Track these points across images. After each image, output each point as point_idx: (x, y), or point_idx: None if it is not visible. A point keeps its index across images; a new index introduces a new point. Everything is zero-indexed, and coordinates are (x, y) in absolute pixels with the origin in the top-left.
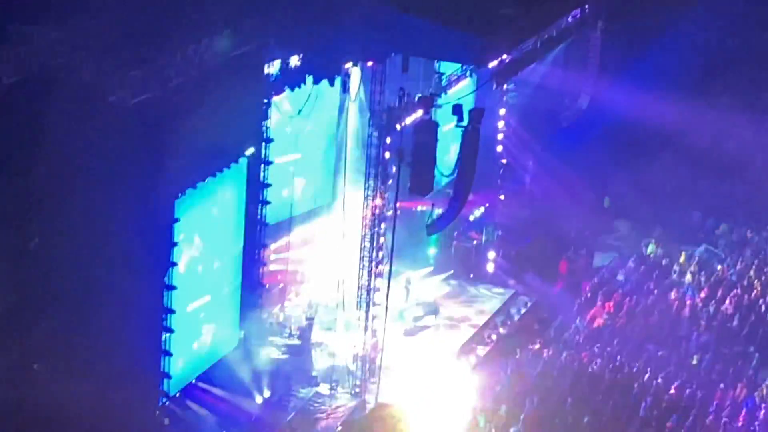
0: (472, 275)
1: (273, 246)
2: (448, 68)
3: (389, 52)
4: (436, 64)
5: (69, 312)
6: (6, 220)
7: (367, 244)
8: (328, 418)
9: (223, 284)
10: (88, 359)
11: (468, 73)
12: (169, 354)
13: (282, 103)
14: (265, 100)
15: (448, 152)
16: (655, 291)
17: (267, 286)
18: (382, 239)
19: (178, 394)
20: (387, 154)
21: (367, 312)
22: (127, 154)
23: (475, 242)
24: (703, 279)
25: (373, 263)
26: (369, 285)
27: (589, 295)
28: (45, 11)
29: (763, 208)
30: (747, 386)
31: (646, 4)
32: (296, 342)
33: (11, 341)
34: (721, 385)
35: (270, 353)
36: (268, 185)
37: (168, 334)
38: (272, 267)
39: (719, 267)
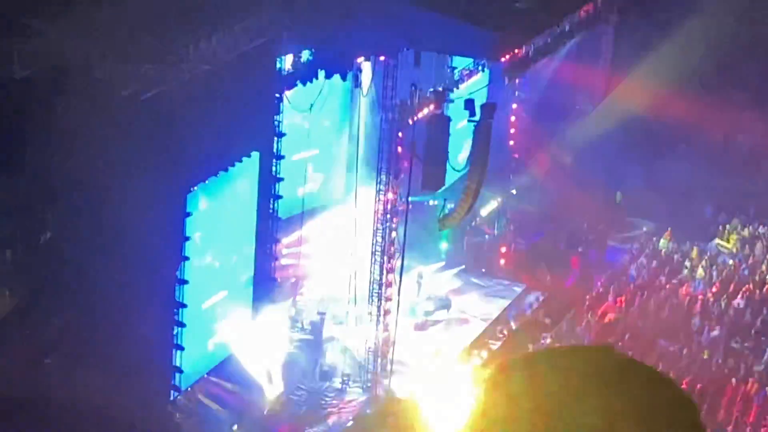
0: (484, 270)
1: (285, 240)
2: (460, 63)
3: (401, 46)
4: (448, 59)
5: (81, 306)
6: (18, 214)
7: (379, 239)
8: (340, 413)
9: (238, 279)
10: (99, 354)
11: (480, 68)
12: (181, 348)
13: (295, 98)
14: (277, 95)
15: (459, 147)
16: (667, 286)
17: (279, 280)
18: (393, 234)
19: (189, 389)
20: (399, 149)
21: (378, 306)
22: (139, 149)
23: (487, 237)
24: (714, 274)
25: (385, 258)
26: (381, 279)
27: (600, 289)
28: (57, 5)
29: None
30: (759, 381)
31: None
32: (308, 336)
33: (23, 335)
34: (733, 380)
35: (281, 347)
36: (281, 179)
37: (180, 329)
38: (284, 261)
39: (731, 262)
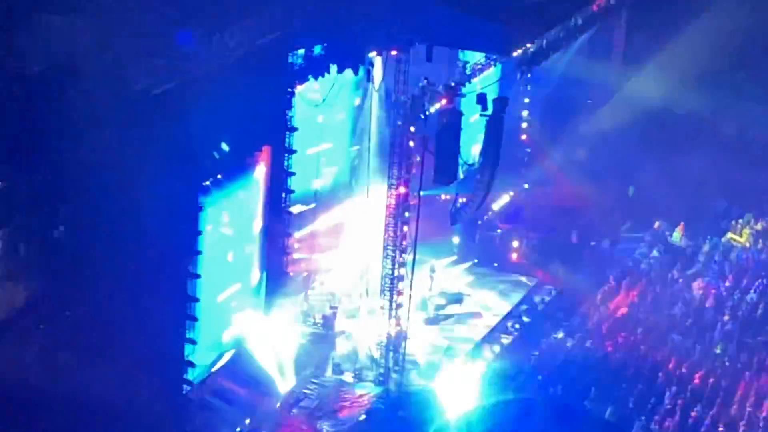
0: (496, 264)
1: (297, 235)
2: (472, 57)
3: (413, 40)
4: (460, 53)
5: (93, 300)
6: (31, 208)
7: (391, 233)
8: (352, 407)
9: (251, 273)
10: (112, 348)
11: (492, 63)
12: (194, 342)
13: (307, 93)
14: (289, 89)
15: (472, 141)
16: (680, 280)
17: (291, 274)
18: (405, 228)
19: (202, 383)
20: (411, 144)
21: (390, 300)
22: (151, 143)
23: (499, 231)
24: (727, 268)
25: (397, 252)
26: (393, 273)
27: (613, 284)
28: (70, 1)
29: None
30: None
31: None
32: (320, 330)
33: (36, 330)
34: (746, 374)
35: (293, 341)
36: (293, 174)
37: (193, 323)
38: (296, 255)
39: (744, 256)
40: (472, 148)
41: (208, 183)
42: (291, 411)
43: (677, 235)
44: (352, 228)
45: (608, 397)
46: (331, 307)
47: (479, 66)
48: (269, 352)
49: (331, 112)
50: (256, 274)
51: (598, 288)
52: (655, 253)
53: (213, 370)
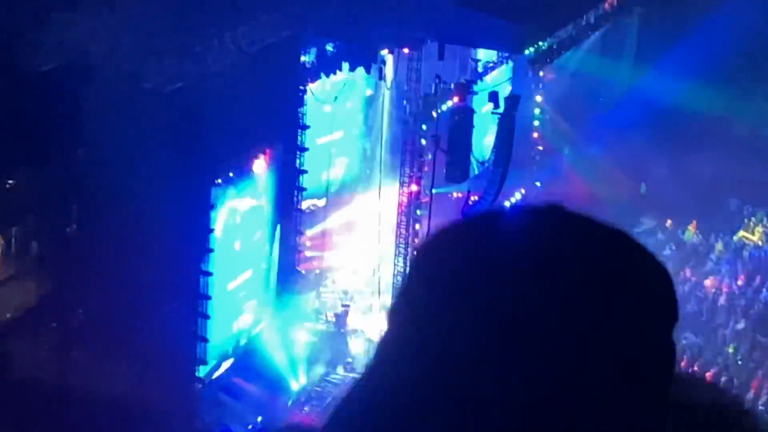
0: None
1: (309, 232)
2: (484, 55)
3: (425, 38)
4: (472, 51)
5: (105, 299)
6: (43, 207)
7: (403, 231)
8: None
9: (262, 271)
10: (124, 346)
11: (504, 60)
12: (206, 340)
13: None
14: (301, 87)
15: (484, 139)
16: (692, 278)
17: (303, 272)
18: (417, 226)
19: (213, 380)
20: (423, 141)
21: None
22: (163, 142)
23: None
24: (740, 266)
25: (409, 249)
26: (405, 271)
27: None
28: None
29: None
30: None
31: None
32: (332, 328)
33: (48, 327)
34: (759, 373)
35: (305, 339)
36: (304, 171)
37: (204, 320)
38: (308, 253)
39: (757, 254)
40: (483, 146)
41: (219, 181)
42: (303, 409)
43: (689, 233)
44: (364, 225)
45: None
46: (343, 305)
47: (491, 64)
48: (281, 349)
49: (346, 100)
50: (268, 272)
51: None
52: (667, 251)
53: (225, 367)
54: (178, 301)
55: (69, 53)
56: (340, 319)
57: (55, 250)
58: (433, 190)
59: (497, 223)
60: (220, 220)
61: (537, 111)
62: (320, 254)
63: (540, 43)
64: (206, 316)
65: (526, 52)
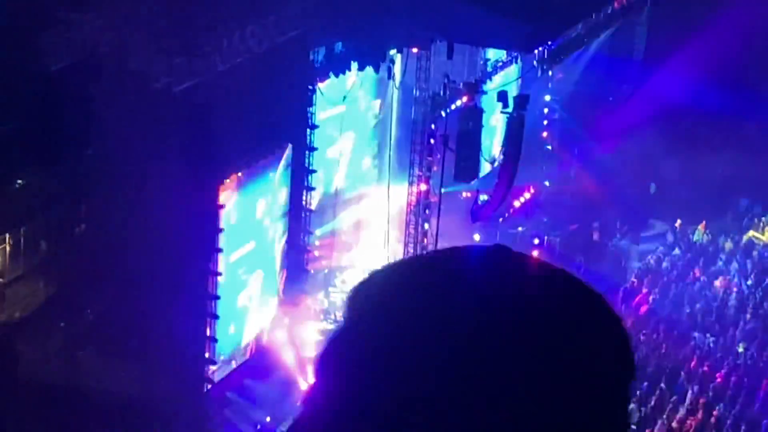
0: None
1: (318, 232)
2: (493, 54)
3: (434, 38)
4: (481, 51)
5: (114, 298)
6: (53, 206)
7: (412, 230)
8: None
9: (273, 268)
10: (132, 346)
11: (513, 60)
12: (215, 340)
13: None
14: (310, 87)
15: (493, 138)
16: (702, 278)
17: (312, 272)
18: (426, 225)
19: (223, 380)
20: (432, 141)
21: None
22: (172, 141)
23: (520, 228)
24: (750, 266)
25: (418, 249)
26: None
27: (634, 281)
28: None
29: None
30: None
31: None
32: None
33: (57, 327)
34: None
35: (314, 339)
36: (314, 171)
37: (214, 320)
38: (317, 253)
39: (766, 254)
40: (492, 146)
41: (228, 181)
42: None
43: (699, 233)
44: (373, 225)
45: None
46: None
47: (500, 63)
48: (290, 349)
49: (353, 101)
50: (278, 271)
51: (619, 286)
52: (676, 251)
53: (234, 367)
54: (187, 300)
55: (78, 53)
56: None
57: (63, 250)
58: (442, 190)
59: (435, 266)
60: (228, 219)
61: (546, 110)
62: (329, 254)
63: (549, 43)
64: (215, 316)
65: (536, 51)
